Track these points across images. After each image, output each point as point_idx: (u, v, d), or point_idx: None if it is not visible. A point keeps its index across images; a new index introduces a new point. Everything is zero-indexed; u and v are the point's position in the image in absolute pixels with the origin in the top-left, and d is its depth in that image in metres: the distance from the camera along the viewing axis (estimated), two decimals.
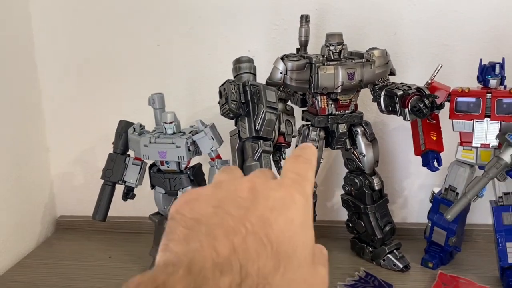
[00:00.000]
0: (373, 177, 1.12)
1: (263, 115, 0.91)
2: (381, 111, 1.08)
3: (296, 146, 1.07)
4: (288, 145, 1.02)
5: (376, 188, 1.13)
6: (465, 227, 1.22)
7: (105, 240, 1.34)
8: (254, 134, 0.92)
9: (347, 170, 1.17)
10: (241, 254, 0.29)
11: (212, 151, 0.99)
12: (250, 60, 1.01)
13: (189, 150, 0.99)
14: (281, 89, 1.03)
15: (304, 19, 1.06)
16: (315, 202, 1.07)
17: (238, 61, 1.00)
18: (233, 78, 1.01)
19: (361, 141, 1.09)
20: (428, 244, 1.18)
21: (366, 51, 1.07)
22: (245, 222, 0.30)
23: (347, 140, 1.09)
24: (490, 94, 0.99)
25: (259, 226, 0.30)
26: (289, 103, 1.09)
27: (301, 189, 0.34)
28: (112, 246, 1.30)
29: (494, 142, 1.00)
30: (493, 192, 1.04)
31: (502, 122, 0.98)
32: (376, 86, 1.08)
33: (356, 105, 1.08)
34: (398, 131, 1.29)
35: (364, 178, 1.12)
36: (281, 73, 1.00)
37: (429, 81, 1.06)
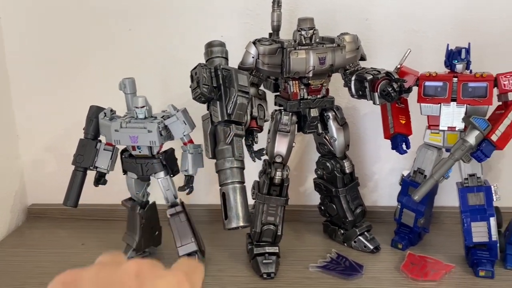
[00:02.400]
0: (344, 161, 1.14)
1: (234, 99, 0.91)
2: (352, 95, 1.10)
3: (269, 131, 1.07)
4: (261, 129, 1.03)
5: (347, 171, 1.15)
6: (433, 209, 1.27)
7: (78, 228, 1.33)
8: (226, 118, 0.93)
9: (319, 155, 1.18)
10: None
11: (184, 135, 0.99)
12: (222, 44, 1.01)
13: (161, 135, 0.99)
14: (253, 73, 1.04)
15: (276, 3, 1.06)
16: (287, 186, 1.09)
17: (210, 45, 1.00)
18: (205, 62, 1.00)
19: (332, 125, 1.10)
20: (398, 226, 1.22)
21: (338, 36, 1.08)
22: None
23: (319, 125, 1.11)
24: (456, 79, 1.01)
25: None
26: (261, 87, 1.10)
27: (191, 281, 0.33)
28: (85, 234, 1.29)
29: (460, 125, 1.03)
30: (459, 174, 1.08)
31: (468, 105, 1.01)
32: (347, 71, 1.09)
33: (327, 90, 1.09)
34: (369, 116, 1.31)
35: (336, 162, 1.14)
36: (253, 57, 1.00)
37: (398, 66, 1.08)
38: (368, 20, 1.25)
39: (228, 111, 0.92)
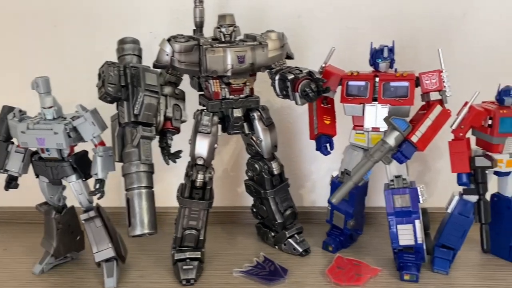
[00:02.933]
0: (272, 162, 1.11)
1: (141, 99, 0.87)
2: (278, 95, 1.06)
3: (193, 131, 1.03)
4: (177, 130, 0.99)
5: (275, 172, 1.11)
6: (370, 209, 1.25)
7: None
8: (132, 119, 0.88)
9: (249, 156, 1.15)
10: None
11: (94, 137, 0.94)
12: (135, 41, 0.96)
13: (69, 136, 0.94)
14: (169, 72, 0.99)
15: None
16: (211, 189, 1.05)
17: (121, 42, 0.96)
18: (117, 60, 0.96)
19: (258, 126, 1.07)
20: (330, 227, 1.19)
21: (263, 33, 1.05)
22: None
23: (245, 125, 1.07)
24: (378, 78, 0.99)
25: None
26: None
27: None
28: (6, 239, 1.23)
29: (384, 125, 1.00)
30: (385, 176, 1.05)
31: (390, 105, 0.98)
32: (272, 70, 1.06)
33: (251, 89, 1.05)
34: (305, 115, 1.26)
35: (263, 163, 1.11)
36: (167, 55, 0.96)
37: (323, 65, 1.05)
38: (300, 17, 1.21)
39: (135, 112, 0.88)
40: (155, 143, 0.98)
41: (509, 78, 1.14)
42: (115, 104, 0.94)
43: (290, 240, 1.14)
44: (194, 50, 0.97)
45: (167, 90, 0.98)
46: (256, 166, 1.11)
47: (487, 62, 1.20)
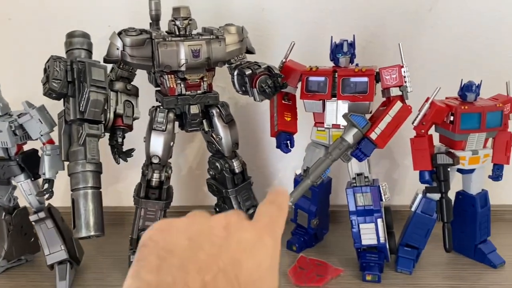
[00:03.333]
0: (233, 160, 1.08)
1: (87, 95, 0.83)
2: (237, 91, 1.03)
3: (148, 128, 0.99)
4: (129, 128, 0.95)
5: (237, 171, 1.08)
6: (337, 208, 1.22)
7: None
8: (78, 116, 0.84)
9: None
10: None
11: (41, 135, 0.90)
12: (85, 35, 0.92)
13: (15, 134, 0.90)
14: (121, 66, 0.96)
15: None
16: (168, 188, 1.01)
17: (70, 36, 0.92)
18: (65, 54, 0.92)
19: (217, 123, 1.03)
20: (295, 226, 1.17)
21: (221, 27, 1.01)
22: (217, 259, 0.31)
23: (205, 122, 1.04)
24: (336, 73, 0.96)
25: (230, 266, 0.31)
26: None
27: (272, 233, 0.35)
28: None
29: (345, 122, 0.97)
30: (348, 174, 1.03)
31: (349, 102, 0.96)
32: (232, 65, 1.02)
33: (210, 85, 1.02)
34: None
35: (224, 162, 1.07)
36: (118, 49, 0.92)
37: (284, 60, 1.02)
38: (264, 10, 1.18)
39: (81, 109, 0.84)
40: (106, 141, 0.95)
41: (476, 73, 1.13)
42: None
43: None
44: (146, 44, 0.93)
45: (118, 85, 0.94)
46: (217, 164, 1.08)
47: (454, 56, 1.17)
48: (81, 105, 0.83)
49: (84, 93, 0.83)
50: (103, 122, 0.88)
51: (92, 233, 0.81)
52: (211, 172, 1.12)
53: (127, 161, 0.98)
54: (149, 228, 0.34)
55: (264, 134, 1.27)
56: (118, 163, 0.97)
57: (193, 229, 0.33)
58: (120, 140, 0.93)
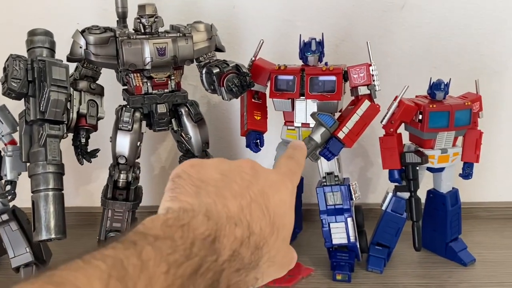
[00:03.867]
0: None
1: (47, 95, 0.81)
2: (206, 90, 1.01)
3: (113, 128, 0.98)
4: (93, 128, 0.93)
5: None
6: (311, 207, 1.21)
7: None
8: (39, 116, 0.82)
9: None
10: (247, 214, 0.33)
11: (2, 136, 0.88)
12: (47, 33, 0.90)
13: None
14: (85, 65, 0.94)
15: None
16: (136, 189, 1.00)
17: (31, 34, 0.89)
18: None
19: (186, 122, 1.02)
20: None
21: (189, 24, 0.99)
22: (249, 190, 0.34)
23: (173, 121, 1.02)
24: (305, 72, 0.95)
25: (260, 197, 0.34)
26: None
27: (292, 179, 0.39)
28: None
29: (314, 121, 0.96)
30: (318, 173, 1.02)
31: (318, 101, 0.95)
32: (201, 63, 1.01)
33: (178, 84, 1.00)
34: None
35: None
36: (81, 47, 0.90)
37: (253, 59, 1.01)
38: (235, 8, 1.16)
39: (41, 109, 0.82)
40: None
41: (447, 71, 1.13)
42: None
43: None
44: (111, 42, 0.91)
45: (82, 84, 0.92)
46: None
47: (425, 55, 1.17)
48: (42, 105, 0.81)
49: (44, 92, 0.81)
50: (65, 122, 0.86)
51: (53, 235, 0.80)
52: None
53: (91, 162, 0.96)
54: (180, 165, 0.36)
55: (238, 134, 1.25)
56: (82, 164, 0.96)
57: (223, 166, 0.36)
58: (83, 140, 0.91)
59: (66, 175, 1.25)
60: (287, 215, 0.37)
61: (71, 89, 0.90)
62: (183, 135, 1.04)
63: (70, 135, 0.93)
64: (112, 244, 0.29)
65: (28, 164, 0.85)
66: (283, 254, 0.37)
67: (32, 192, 0.82)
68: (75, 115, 0.89)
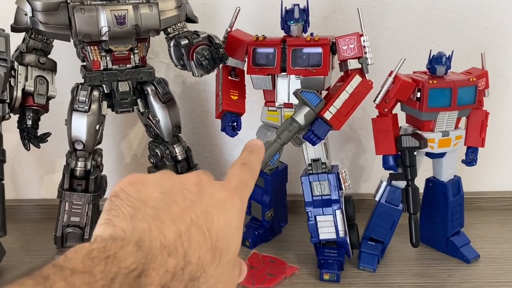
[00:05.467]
0: (175, 146, 0.95)
1: None
2: (176, 65, 0.90)
3: (68, 109, 0.86)
4: (43, 108, 0.81)
5: (180, 158, 0.95)
6: (297, 197, 1.10)
7: None
8: None
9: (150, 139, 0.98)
10: (185, 241, 0.30)
11: None
12: None
13: None
14: (32, 36, 0.81)
15: None
16: (96, 178, 0.88)
17: None
18: None
19: (153, 102, 0.90)
20: (249, 219, 1.05)
21: None
22: (190, 212, 0.32)
23: (139, 102, 0.91)
24: (286, 43, 0.82)
25: (203, 219, 0.32)
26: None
27: (241, 195, 0.35)
28: None
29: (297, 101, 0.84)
30: (303, 160, 0.90)
31: (302, 77, 0.83)
32: (169, 35, 0.89)
33: (143, 59, 0.88)
34: None
35: (165, 148, 0.94)
36: (26, 14, 0.78)
37: (228, 29, 0.88)
38: None
39: None
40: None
41: (448, 45, 1.01)
42: None
43: None
44: (61, 8, 0.79)
45: (29, 58, 0.80)
46: (157, 150, 0.95)
47: (424, 27, 1.05)
48: None
49: None
50: (7, 101, 0.73)
51: None
52: (151, 160, 0.99)
53: (39, 147, 0.84)
54: (120, 181, 0.33)
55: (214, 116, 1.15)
56: (28, 149, 0.84)
57: (165, 184, 0.33)
58: (29, 122, 0.79)
59: (25, 164, 1.14)
60: (233, 236, 0.34)
61: (16, 63, 0.78)
62: (150, 117, 0.92)
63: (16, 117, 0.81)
64: (21, 280, 0.26)
65: None
66: (226, 277, 0.33)
67: None
68: (19, 93, 0.77)
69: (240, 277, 0.36)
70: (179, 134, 0.96)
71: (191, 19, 0.91)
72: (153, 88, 0.89)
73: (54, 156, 1.13)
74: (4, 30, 0.76)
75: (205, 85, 1.12)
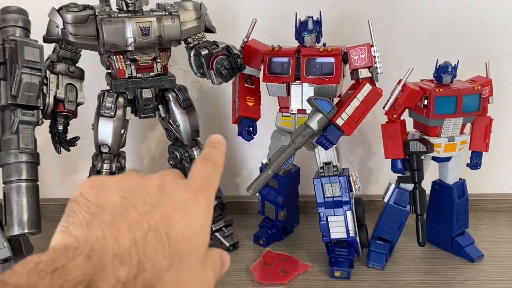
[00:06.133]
0: (193, 149, 1.00)
1: (18, 78, 0.74)
2: (195, 73, 0.95)
3: (95, 114, 0.91)
4: (72, 114, 0.87)
5: None
6: (309, 198, 1.15)
7: None
8: (10, 101, 0.76)
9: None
10: (140, 248, 0.29)
11: None
12: (21, 11, 0.83)
13: None
14: (63, 46, 0.87)
15: None
16: None
17: (3, 11, 0.82)
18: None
19: (174, 108, 0.95)
20: (263, 219, 1.10)
21: (176, 2, 0.92)
22: (149, 217, 0.31)
23: (161, 108, 0.96)
24: (300, 53, 0.87)
25: (162, 224, 0.31)
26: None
27: (205, 193, 0.35)
28: None
29: (310, 107, 0.89)
30: (316, 163, 0.95)
31: (315, 85, 0.88)
32: (189, 45, 0.94)
33: (165, 67, 0.93)
34: None
35: (184, 151, 1.00)
36: (57, 26, 0.83)
37: (245, 40, 0.94)
38: None
39: (13, 93, 0.75)
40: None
41: (454, 54, 1.05)
42: None
43: (216, 234, 1.04)
44: (90, 21, 0.84)
45: (60, 67, 0.85)
46: (177, 153, 1.00)
47: (431, 36, 1.09)
48: (13, 88, 0.75)
49: (16, 75, 0.74)
50: (40, 107, 0.79)
51: (26, 230, 0.74)
52: (171, 162, 1.04)
53: (69, 151, 0.90)
54: (81, 185, 0.33)
55: (231, 121, 1.19)
56: (59, 153, 0.89)
57: (126, 186, 0.33)
58: (60, 127, 0.85)
59: (50, 165, 1.19)
60: (197, 237, 0.32)
61: (48, 72, 0.83)
62: (171, 122, 0.97)
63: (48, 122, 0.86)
64: None
65: None
66: (192, 280, 0.32)
67: (4, 183, 0.75)
68: (51, 100, 0.82)
69: (223, 269, 0.36)
70: (197, 138, 1.01)
71: (209, 29, 0.96)
72: (174, 94, 0.95)
73: (75, 158, 1.18)
74: (37, 41, 0.81)
75: (221, 91, 1.17)
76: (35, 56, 0.76)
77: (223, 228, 1.05)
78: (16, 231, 0.73)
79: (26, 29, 0.83)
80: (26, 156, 0.76)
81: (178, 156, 1.00)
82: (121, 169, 0.95)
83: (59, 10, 0.84)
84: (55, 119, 0.85)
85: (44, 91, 0.81)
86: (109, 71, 0.94)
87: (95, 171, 0.92)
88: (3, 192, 0.75)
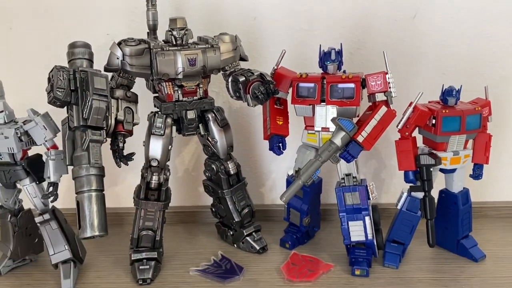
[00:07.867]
0: (228, 162, 1.13)
1: (89, 103, 0.88)
2: (231, 96, 1.08)
3: (147, 133, 1.04)
4: (129, 133, 1.00)
5: (232, 172, 1.14)
6: (327, 206, 1.28)
7: None
8: (82, 123, 0.89)
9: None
10: None
11: (46, 141, 0.95)
12: (86, 45, 0.97)
13: (21, 140, 0.95)
14: (121, 75, 1.01)
15: (150, 2, 1.03)
16: (166, 190, 1.07)
17: (72, 46, 0.96)
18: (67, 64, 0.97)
19: (212, 127, 1.09)
20: (288, 225, 1.22)
21: (216, 36, 1.06)
22: None
23: (201, 126, 1.09)
24: (326, 80, 1.01)
25: None
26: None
27: None
28: None
29: (333, 126, 1.03)
30: (337, 174, 1.08)
31: (337, 107, 1.01)
32: (226, 72, 1.08)
33: (205, 91, 1.07)
34: None
35: (220, 164, 1.13)
36: (117, 58, 0.97)
37: (275, 67, 1.07)
38: (256, 19, 1.23)
39: (84, 116, 0.89)
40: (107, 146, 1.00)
41: (457, 77, 1.19)
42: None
43: (247, 238, 1.17)
44: (145, 53, 0.98)
45: (119, 93, 0.99)
46: (213, 166, 1.13)
47: (437, 61, 1.23)
48: (84, 112, 0.88)
49: (87, 101, 0.88)
50: (105, 128, 0.92)
51: (97, 233, 0.86)
52: (207, 174, 1.17)
53: (128, 165, 1.03)
54: None
55: (257, 137, 1.33)
56: (120, 167, 1.02)
57: None
58: (121, 145, 0.98)
59: None
60: None
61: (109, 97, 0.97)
62: (209, 139, 1.11)
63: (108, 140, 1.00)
64: None
65: (71, 167, 0.91)
66: None
67: (76, 193, 0.88)
68: (113, 121, 0.96)
69: None
70: (231, 152, 1.14)
71: (242, 58, 1.10)
72: (213, 115, 1.08)
73: (116, 171, 1.30)
74: (101, 71, 0.95)
75: (248, 110, 1.30)
76: (102, 85, 0.90)
77: (253, 233, 1.18)
78: (88, 233, 0.86)
79: (91, 60, 0.96)
80: (95, 170, 0.89)
81: (215, 168, 1.13)
82: (167, 180, 1.07)
83: (119, 44, 0.97)
84: (115, 138, 0.98)
85: (107, 114, 0.94)
86: (157, 95, 1.08)
87: (145, 182, 1.05)
88: (76, 201, 0.88)
